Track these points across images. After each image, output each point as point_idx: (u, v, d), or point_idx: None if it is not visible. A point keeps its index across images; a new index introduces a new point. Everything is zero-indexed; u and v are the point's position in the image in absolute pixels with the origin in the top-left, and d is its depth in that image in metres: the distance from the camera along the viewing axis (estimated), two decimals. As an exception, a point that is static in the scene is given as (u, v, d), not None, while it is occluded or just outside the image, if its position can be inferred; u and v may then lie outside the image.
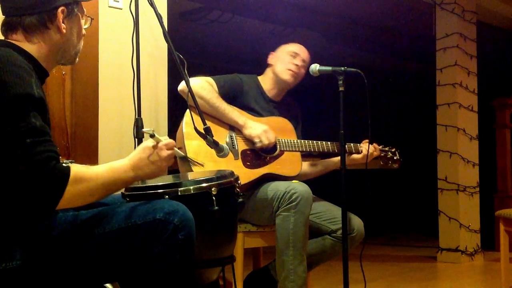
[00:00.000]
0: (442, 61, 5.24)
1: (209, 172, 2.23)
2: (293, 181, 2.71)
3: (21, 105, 1.47)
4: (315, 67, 2.74)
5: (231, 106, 2.78)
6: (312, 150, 2.89)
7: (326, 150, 2.91)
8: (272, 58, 3.03)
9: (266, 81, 3.01)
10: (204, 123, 2.14)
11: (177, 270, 1.57)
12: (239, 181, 1.94)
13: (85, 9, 1.80)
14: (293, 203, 2.58)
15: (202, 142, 2.18)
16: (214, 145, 2.09)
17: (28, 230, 1.53)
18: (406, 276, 4.53)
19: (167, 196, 1.71)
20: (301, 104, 3.15)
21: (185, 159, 2.50)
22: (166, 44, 2.41)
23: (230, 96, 2.81)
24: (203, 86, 2.72)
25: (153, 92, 3.08)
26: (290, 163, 2.88)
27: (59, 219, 1.58)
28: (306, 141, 2.88)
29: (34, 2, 1.66)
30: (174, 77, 2.62)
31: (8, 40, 1.68)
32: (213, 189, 1.77)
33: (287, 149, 2.85)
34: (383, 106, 7.52)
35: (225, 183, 1.84)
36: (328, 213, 2.86)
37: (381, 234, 6.85)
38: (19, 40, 1.67)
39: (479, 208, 5.28)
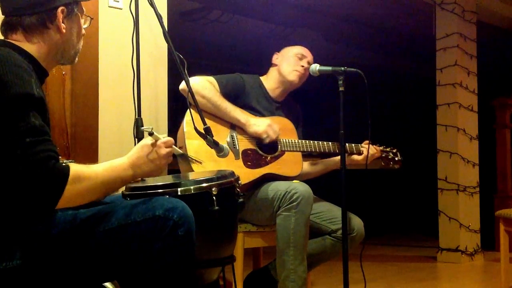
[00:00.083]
0: (442, 61, 5.23)
1: (209, 172, 2.23)
2: (294, 181, 2.71)
3: (20, 104, 1.46)
4: (315, 67, 2.75)
5: (233, 105, 2.78)
6: (313, 150, 2.89)
7: (327, 151, 2.91)
8: (277, 58, 3.03)
9: (269, 80, 3.00)
10: (204, 123, 2.14)
11: (177, 267, 1.56)
12: (239, 181, 1.94)
13: (84, 9, 1.80)
14: (294, 203, 2.57)
15: (203, 142, 2.17)
16: (214, 145, 2.09)
17: (28, 230, 1.53)
18: (406, 276, 4.52)
19: (167, 196, 1.70)
20: (301, 104, 3.15)
21: (184, 156, 2.50)
22: (166, 44, 2.40)
23: (232, 95, 2.81)
24: (204, 85, 2.72)
25: (153, 92, 3.08)
26: (291, 163, 2.88)
27: (59, 219, 1.57)
28: (307, 141, 2.88)
29: (34, 2, 1.66)
30: (174, 77, 2.61)
31: (8, 40, 1.68)
32: (213, 189, 1.77)
33: (288, 149, 2.85)
34: (383, 106, 7.53)
35: (226, 183, 1.84)
36: (328, 213, 2.86)
37: (381, 234, 6.85)
38: (19, 40, 1.67)
39: (479, 208, 5.27)
